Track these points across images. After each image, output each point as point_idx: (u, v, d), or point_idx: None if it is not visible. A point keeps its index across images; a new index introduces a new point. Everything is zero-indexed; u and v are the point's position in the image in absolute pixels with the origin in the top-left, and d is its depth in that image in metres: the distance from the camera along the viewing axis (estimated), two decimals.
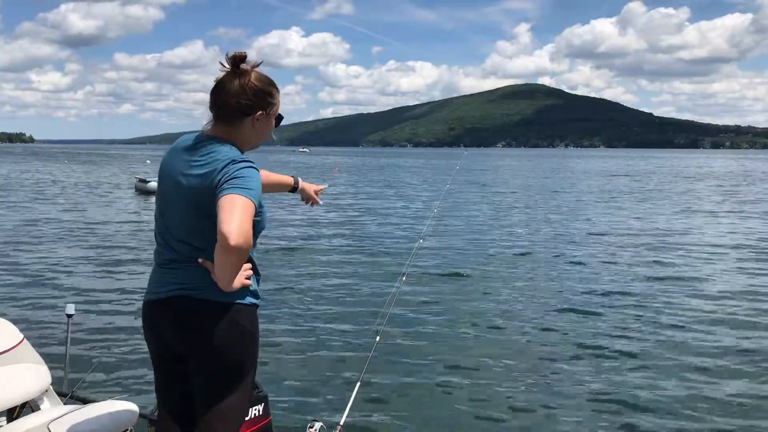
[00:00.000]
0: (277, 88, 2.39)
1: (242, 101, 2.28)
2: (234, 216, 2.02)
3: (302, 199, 3.03)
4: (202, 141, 2.31)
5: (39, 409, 3.28)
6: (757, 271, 11.95)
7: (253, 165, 2.23)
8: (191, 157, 2.28)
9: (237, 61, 2.29)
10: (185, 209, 2.26)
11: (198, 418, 2.32)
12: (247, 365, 2.31)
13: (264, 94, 2.33)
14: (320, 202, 3.02)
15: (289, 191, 2.96)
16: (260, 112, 2.33)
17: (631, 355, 6.90)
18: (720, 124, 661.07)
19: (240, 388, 2.30)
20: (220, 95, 2.30)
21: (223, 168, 2.17)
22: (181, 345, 2.30)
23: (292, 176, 2.98)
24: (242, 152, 2.32)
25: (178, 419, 2.42)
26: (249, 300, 2.29)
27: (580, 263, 12.54)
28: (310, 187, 3.04)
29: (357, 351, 6.76)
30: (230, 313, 2.24)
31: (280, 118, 2.45)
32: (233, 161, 2.18)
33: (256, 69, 2.33)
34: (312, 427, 2.88)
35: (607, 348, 7.17)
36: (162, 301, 2.30)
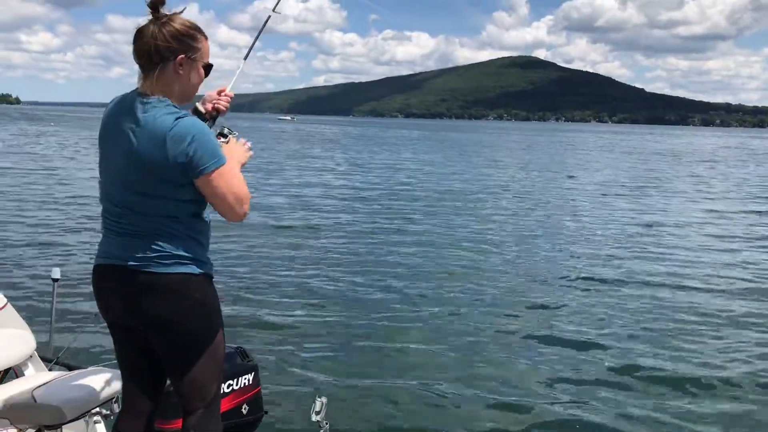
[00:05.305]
0: (203, 34, 2.28)
1: (160, 44, 2.19)
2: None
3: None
4: (136, 100, 2.22)
5: (23, 375, 3.24)
6: None
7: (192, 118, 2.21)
8: (129, 117, 2.19)
9: (156, 5, 2.21)
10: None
11: (173, 387, 2.38)
12: (203, 335, 2.30)
13: (184, 37, 2.23)
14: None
15: None
16: (182, 56, 2.22)
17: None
18: (712, 101, 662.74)
19: (204, 358, 2.30)
20: (139, 42, 2.21)
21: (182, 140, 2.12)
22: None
23: None
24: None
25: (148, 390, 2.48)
26: (195, 269, 2.26)
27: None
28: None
29: (357, 322, 6.71)
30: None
31: (209, 66, 2.32)
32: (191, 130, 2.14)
33: (179, 15, 2.24)
34: (320, 398, 2.91)
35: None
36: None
